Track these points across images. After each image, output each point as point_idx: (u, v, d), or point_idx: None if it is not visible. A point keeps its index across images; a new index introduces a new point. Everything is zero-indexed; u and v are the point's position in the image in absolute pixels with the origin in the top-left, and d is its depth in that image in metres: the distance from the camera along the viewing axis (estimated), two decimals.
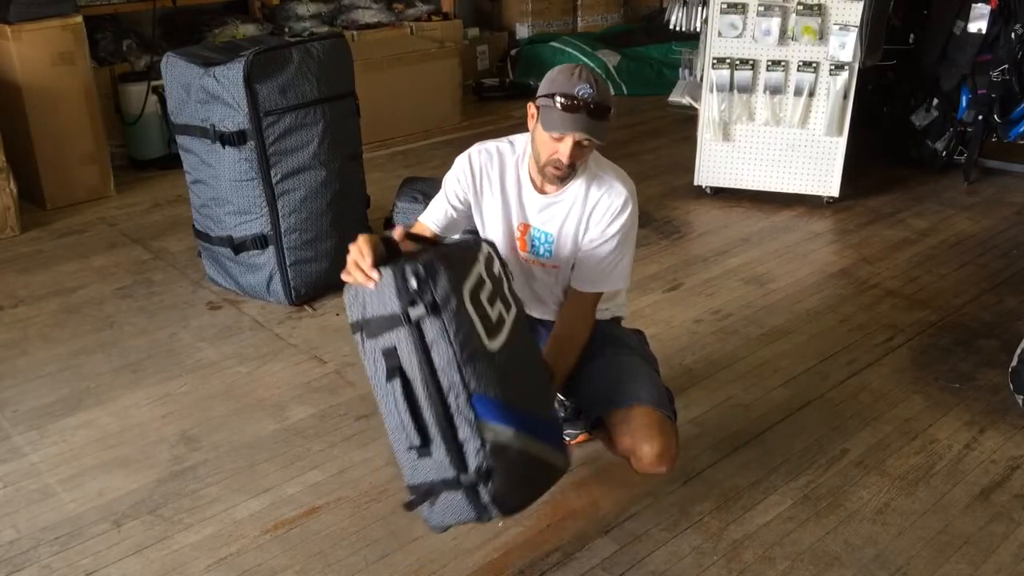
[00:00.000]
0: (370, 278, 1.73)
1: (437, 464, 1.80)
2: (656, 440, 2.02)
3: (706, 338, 3.14)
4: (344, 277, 1.80)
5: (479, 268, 1.83)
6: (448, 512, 1.85)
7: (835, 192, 4.28)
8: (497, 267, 1.89)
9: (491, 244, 1.94)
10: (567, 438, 2.32)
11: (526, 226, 2.16)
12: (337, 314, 3.28)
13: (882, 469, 2.46)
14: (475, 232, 2.23)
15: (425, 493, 1.85)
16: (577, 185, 2.10)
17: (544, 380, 2.00)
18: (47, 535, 2.20)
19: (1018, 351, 2.75)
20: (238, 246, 3.28)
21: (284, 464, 2.47)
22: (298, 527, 2.24)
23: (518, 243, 2.18)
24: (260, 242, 3.26)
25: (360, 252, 1.75)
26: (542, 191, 2.13)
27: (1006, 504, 2.33)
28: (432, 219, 2.20)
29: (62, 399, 2.77)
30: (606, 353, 2.19)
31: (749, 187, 4.38)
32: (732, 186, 4.41)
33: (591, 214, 2.11)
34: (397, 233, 1.86)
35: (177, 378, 2.89)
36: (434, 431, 1.78)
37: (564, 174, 2.02)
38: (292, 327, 3.22)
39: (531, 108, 2.02)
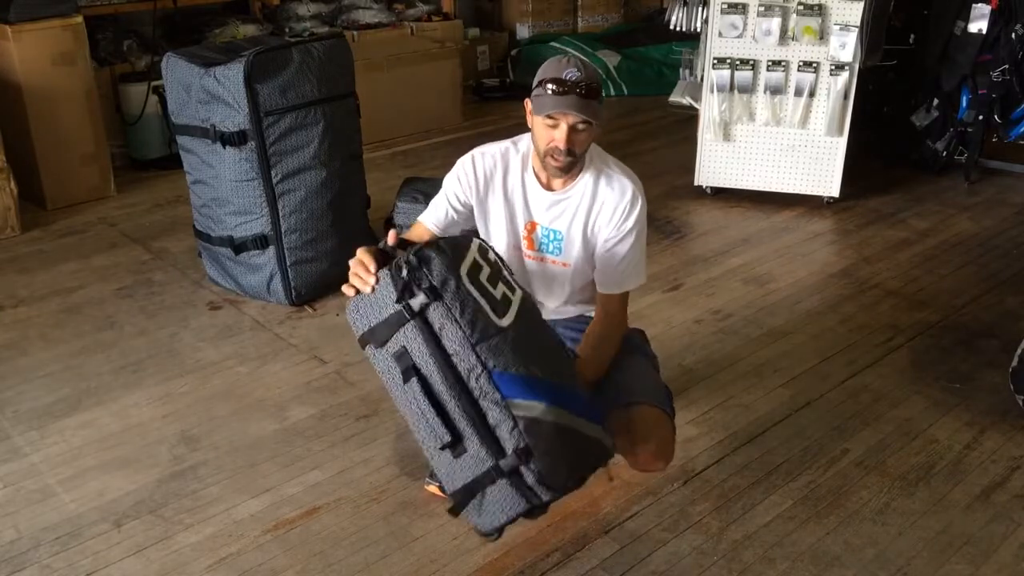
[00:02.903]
0: (371, 277, 1.75)
1: (474, 458, 1.73)
2: (652, 438, 2.02)
3: (706, 338, 3.14)
4: (345, 289, 1.81)
5: (472, 254, 1.80)
6: (497, 508, 1.74)
7: (835, 192, 4.28)
8: (492, 255, 1.86)
9: (483, 241, 1.92)
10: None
11: (533, 224, 2.15)
12: (337, 314, 3.28)
13: (882, 469, 2.46)
14: (474, 232, 2.22)
15: (468, 492, 1.76)
16: (585, 181, 2.10)
17: (567, 359, 1.91)
18: (47, 535, 2.20)
19: (1018, 351, 2.75)
20: (238, 246, 3.29)
21: (284, 464, 2.48)
22: (298, 527, 2.24)
23: (524, 242, 2.17)
24: (260, 242, 3.26)
25: (360, 261, 1.78)
26: (549, 187, 2.12)
27: (1006, 504, 2.33)
28: (432, 220, 2.19)
29: (62, 399, 2.78)
30: None
31: (749, 187, 4.38)
32: (732, 186, 4.41)
33: (600, 211, 2.10)
34: (391, 238, 1.86)
35: (177, 378, 2.89)
36: (463, 423, 1.72)
37: (563, 163, 2.00)
38: (292, 327, 3.22)
39: (527, 104, 2.04)
